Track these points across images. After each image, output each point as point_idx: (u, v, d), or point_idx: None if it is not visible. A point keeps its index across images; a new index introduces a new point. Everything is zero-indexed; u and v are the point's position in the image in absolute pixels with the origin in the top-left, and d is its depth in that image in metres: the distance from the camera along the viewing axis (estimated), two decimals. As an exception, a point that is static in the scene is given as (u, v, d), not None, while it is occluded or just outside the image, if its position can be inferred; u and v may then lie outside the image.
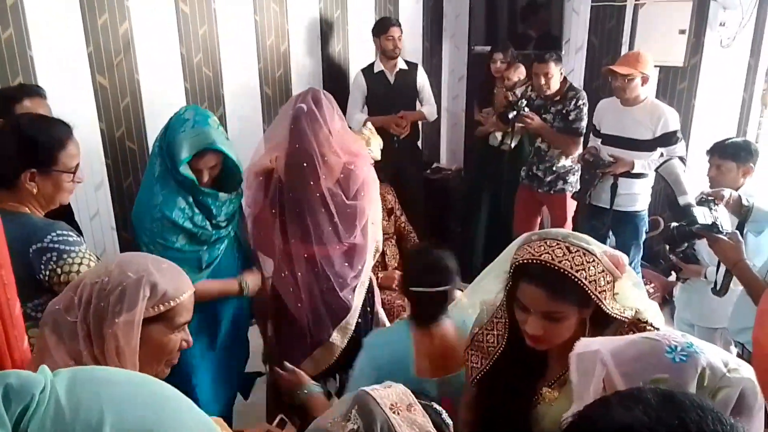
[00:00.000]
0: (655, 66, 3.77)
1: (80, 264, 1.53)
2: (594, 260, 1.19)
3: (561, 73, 3.44)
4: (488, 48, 4.29)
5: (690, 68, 3.58)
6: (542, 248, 1.20)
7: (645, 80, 3.10)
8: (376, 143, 2.88)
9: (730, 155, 2.49)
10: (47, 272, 1.51)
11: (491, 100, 4.00)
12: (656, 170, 2.29)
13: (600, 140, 3.28)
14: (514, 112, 3.44)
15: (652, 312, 1.27)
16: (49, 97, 2.31)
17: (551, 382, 1.31)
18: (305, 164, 1.98)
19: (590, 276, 1.17)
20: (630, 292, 1.27)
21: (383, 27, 3.88)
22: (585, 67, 4.06)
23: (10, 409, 0.56)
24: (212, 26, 3.37)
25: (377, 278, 2.81)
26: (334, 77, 4.12)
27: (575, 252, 1.19)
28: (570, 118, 3.41)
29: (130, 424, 0.59)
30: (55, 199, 1.65)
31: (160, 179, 1.96)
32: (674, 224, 2.22)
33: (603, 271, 1.19)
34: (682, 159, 3.01)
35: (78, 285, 1.10)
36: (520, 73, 3.84)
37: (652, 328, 1.22)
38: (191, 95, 3.37)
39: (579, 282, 1.16)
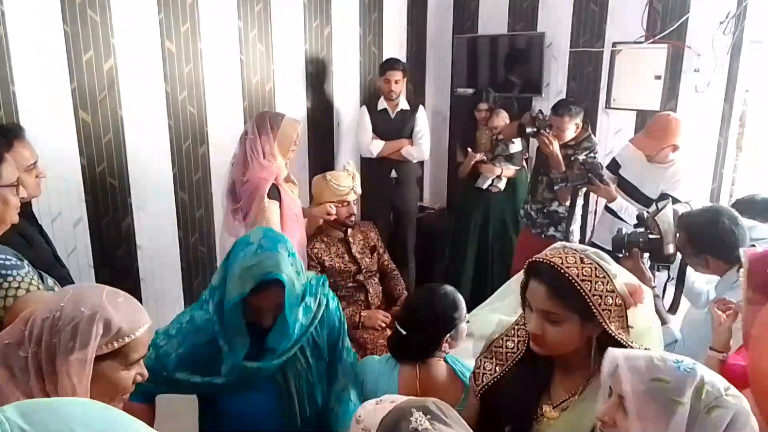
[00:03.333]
0: (632, 110, 3.89)
1: (17, 288, 1.47)
2: (605, 278, 1.23)
3: (577, 126, 3.37)
4: (470, 90, 4.37)
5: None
6: (557, 253, 1.27)
7: (675, 149, 2.97)
8: (358, 179, 2.93)
9: (746, 212, 2.36)
10: None
11: (474, 142, 4.06)
12: (654, 217, 2.28)
13: (616, 179, 3.17)
14: (535, 129, 3.32)
15: None
16: (29, 132, 2.28)
17: (555, 404, 1.32)
18: None
19: (596, 290, 1.21)
20: (645, 333, 1.29)
21: (383, 68, 3.97)
22: (565, 111, 4.13)
23: None
24: (198, 65, 3.40)
25: (359, 317, 2.78)
26: (318, 116, 4.16)
27: (587, 264, 1.24)
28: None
29: None
30: (4, 217, 1.59)
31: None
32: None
33: (613, 291, 1.23)
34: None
35: (28, 319, 1.07)
36: (503, 118, 3.92)
37: None
38: (175, 133, 3.37)
39: (581, 290, 1.20)
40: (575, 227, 3.43)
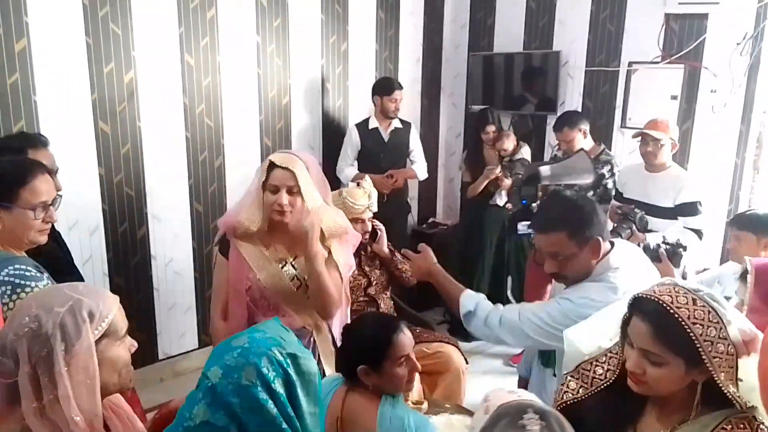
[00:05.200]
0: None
1: None
2: (719, 323, 1.14)
3: (585, 133, 3.50)
4: (485, 107, 4.37)
5: (682, 133, 3.66)
6: (667, 290, 1.18)
7: (674, 146, 3.12)
8: (375, 197, 2.91)
9: (747, 227, 2.45)
10: (2, 305, 1.49)
11: (482, 161, 4.04)
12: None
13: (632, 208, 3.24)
14: None
15: None
16: (49, 142, 2.33)
17: None
18: None
19: (707, 335, 1.12)
20: (755, 388, 1.17)
21: (389, 88, 3.94)
22: (580, 129, 4.13)
23: None
24: (216, 78, 3.45)
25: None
26: (333, 131, 4.19)
27: (700, 306, 1.14)
28: (607, 185, 3.47)
29: None
30: (23, 237, 1.63)
31: None
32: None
33: (726, 339, 1.13)
34: (698, 232, 3.00)
35: (1, 347, 1.04)
36: (512, 140, 3.94)
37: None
38: (192, 144, 3.41)
39: (690, 334, 1.12)
40: None
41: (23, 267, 1.55)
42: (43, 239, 1.70)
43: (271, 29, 3.67)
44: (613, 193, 3.47)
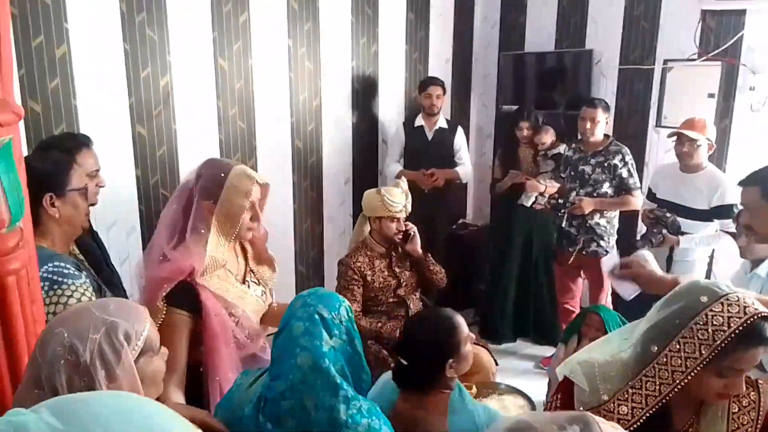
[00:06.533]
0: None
1: (70, 296, 1.51)
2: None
3: (606, 122, 3.50)
4: (515, 107, 4.34)
5: (720, 132, 3.57)
6: (743, 302, 1.20)
7: (710, 147, 3.08)
8: (410, 198, 2.92)
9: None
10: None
11: (515, 160, 4.01)
12: None
13: (656, 205, 3.22)
14: (564, 212, 3.58)
15: None
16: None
17: None
18: None
19: None
20: None
21: (423, 85, 4.05)
22: (614, 129, 4.07)
23: None
24: (248, 81, 3.51)
25: (400, 332, 2.78)
26: (364, 132, 4.22)
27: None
28: (621, 174, 3.43)
29: None
30: (76, 221, 1.70)
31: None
32: None
33: None
34: (734, 235, 2.95)
35: (35, 379, 1.00)
36: (551, 135, 3.89)
37: None
38: (225, 146, 3.48)
39: None
40: (612, 240, 3.56)
41: (62, 264, 1.57)
42: (87, 223, 1.77)
43: (302, 33, 3.71)
44: (631, 182, 3.44)
